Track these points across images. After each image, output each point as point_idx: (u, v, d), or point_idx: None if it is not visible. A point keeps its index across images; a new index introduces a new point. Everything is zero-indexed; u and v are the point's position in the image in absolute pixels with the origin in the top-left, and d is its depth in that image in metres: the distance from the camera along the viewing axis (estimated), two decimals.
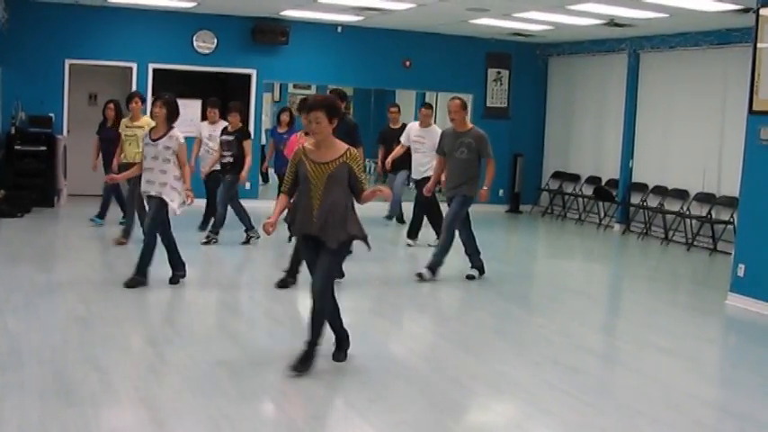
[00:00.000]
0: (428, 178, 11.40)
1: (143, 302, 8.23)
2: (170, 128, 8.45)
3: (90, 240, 11.22)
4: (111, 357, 6.29)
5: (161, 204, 8.42)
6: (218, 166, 11.43)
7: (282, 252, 10.38)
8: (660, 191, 14.16)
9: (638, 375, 6.65)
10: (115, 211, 11.96)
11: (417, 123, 12.08)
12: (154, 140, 8.42)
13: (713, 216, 12.93)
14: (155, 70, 14.66)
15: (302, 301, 9.07)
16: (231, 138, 11.04)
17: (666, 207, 13.89)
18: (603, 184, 15.46)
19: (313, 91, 18.24)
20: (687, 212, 13.39)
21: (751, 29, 9.29)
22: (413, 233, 12.03)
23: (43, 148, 13.48)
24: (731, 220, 12.30)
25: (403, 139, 12.16)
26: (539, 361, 6.87)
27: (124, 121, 11.07)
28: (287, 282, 8.83)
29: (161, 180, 8.37)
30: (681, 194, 13.69)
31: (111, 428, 4.96)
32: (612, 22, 12.96)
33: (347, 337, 6.46)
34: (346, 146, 6.10)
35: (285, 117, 12.85)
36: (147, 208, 8.71)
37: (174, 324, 7.56)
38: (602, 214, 15.28)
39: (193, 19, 14.67)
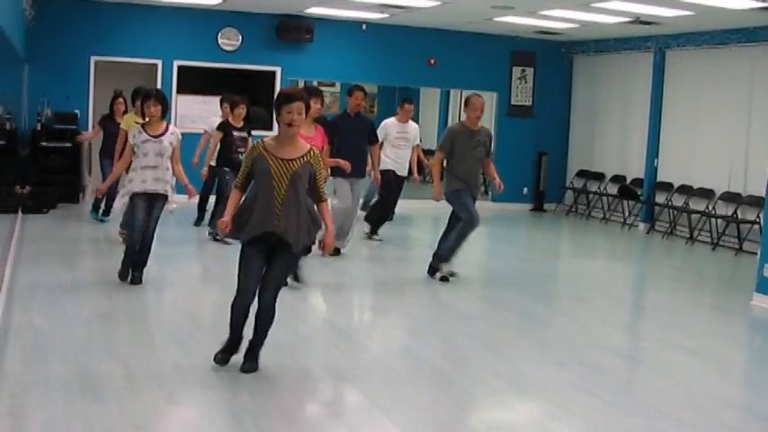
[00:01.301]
0: (389, 170, 11.55)
1: (166, 299, 8.28)
2: (168, 123, 8.38)
3: (114, 237, 11.26)
4: (135, 354, 6.33)
5: (164, 203, 8.38)
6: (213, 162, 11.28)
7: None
8: (685, 190, 14.07)
9: (662, 376, 6.61)
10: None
11: (395, 119, 12.00)
12: (156, 137, 8.23)
13: (739, 216, 12.83)
14: (179, 67, 14.70)
15: (324, 298, 9.10)
16: (245, 134, 10.99)
17: (692, 206, 13.80)
18: (628, 182, 15.38)
19: (338, 88, 18.25)
20: (713, 212, 13.29)
21: None
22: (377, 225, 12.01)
23: (68, 144, 13.56)
24: (757, 219, 12.20)
25: (380, 135, 11.60)
26: (562, 360, 6.84)
27: (133, 116, 10.55)
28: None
29: (166, 178, 8.29)
30: (706, 194, 13.60)
31: (135, 424, 4.98)
32: (638, 20, 12.88)
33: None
34: (309, 144, 5.89)
35: None
36: (136, 206, 8.30)
37: (196, 320, 7.58)
38: (627, 213, 15.20)
39: (218, 16, 14.71)
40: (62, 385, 5.47)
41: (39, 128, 13.55)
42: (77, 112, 14.01)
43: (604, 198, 15.75)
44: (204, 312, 7.99)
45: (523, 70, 16.85)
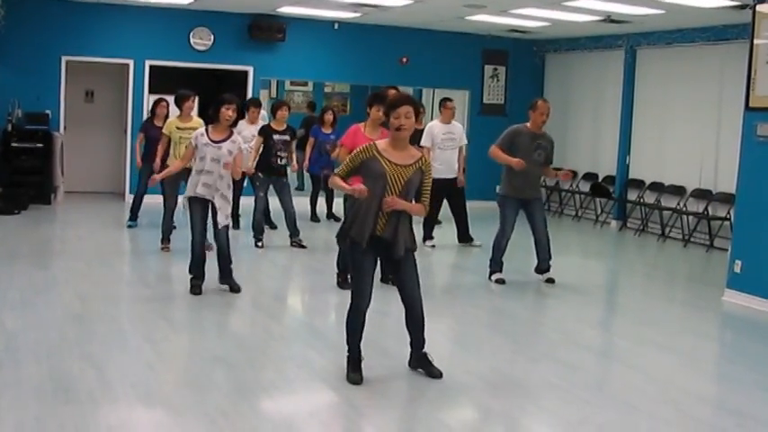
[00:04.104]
0: (439, 179, 11.39)
1: (139, 299, 8.22)
2: (232, 131, 8.18)
3: (87, 237, 11.22)
4: (108, 354, 6.29)
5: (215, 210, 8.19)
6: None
7: (275, 249, 10.40)
8: (657, 187, 14.17)
9: (635, 372, 6.65)
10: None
11: (438, 121, 11.73)
12: (216, 142, 8.00)
13: (710, 212, 12.94)
14: (151, 67, 14.64)
15: (297, 298, 9.11)
16: (287, 137, 10.82)
17: (663, 203, 13.90)
18: (600, 180, 15.45)
19: (310, 88, 18.22)
20: (684, 209, 13.40)
21: (748, 25, 9.30)
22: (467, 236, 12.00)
23: (40, 145, 13.48)
24: (728, 216, 12.31)
25: (426, 141, 11.37)
26: (535, 357, 6.88)
27: (175, 121, 10.43)
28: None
29: (217, 185, 8.04)
30: (678, 191, 13.70)
31: (108, 425, 4.96)
32: (609, 19, 12.96)
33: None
34: (418, 151, 5.94)
35: (329, 117, 12.76)
36: (194, 211, 8.17)
37: (170, 320, 7.55)
38: (599, 210, 15.29)
39: (190, 15, 14.65)
40: (34, 387, 5.44)
41: (9, 128, 13.44)
42: (48, 112, 13.90)
43: (576, 196, 15.83)
44: (177, 312, 7.95)
45: (495, 69, 16.91)
